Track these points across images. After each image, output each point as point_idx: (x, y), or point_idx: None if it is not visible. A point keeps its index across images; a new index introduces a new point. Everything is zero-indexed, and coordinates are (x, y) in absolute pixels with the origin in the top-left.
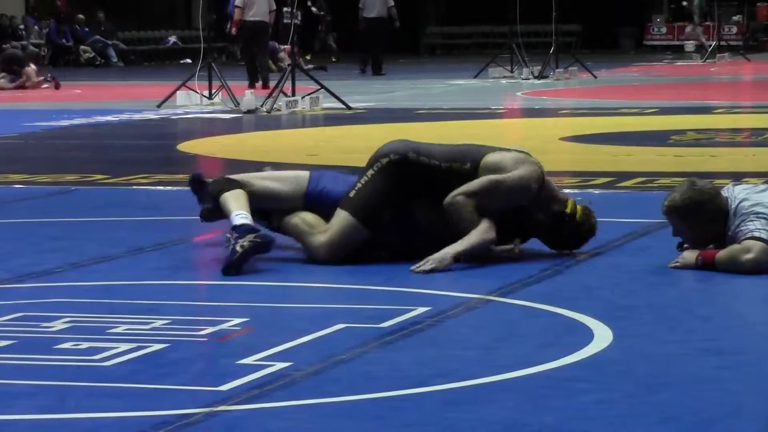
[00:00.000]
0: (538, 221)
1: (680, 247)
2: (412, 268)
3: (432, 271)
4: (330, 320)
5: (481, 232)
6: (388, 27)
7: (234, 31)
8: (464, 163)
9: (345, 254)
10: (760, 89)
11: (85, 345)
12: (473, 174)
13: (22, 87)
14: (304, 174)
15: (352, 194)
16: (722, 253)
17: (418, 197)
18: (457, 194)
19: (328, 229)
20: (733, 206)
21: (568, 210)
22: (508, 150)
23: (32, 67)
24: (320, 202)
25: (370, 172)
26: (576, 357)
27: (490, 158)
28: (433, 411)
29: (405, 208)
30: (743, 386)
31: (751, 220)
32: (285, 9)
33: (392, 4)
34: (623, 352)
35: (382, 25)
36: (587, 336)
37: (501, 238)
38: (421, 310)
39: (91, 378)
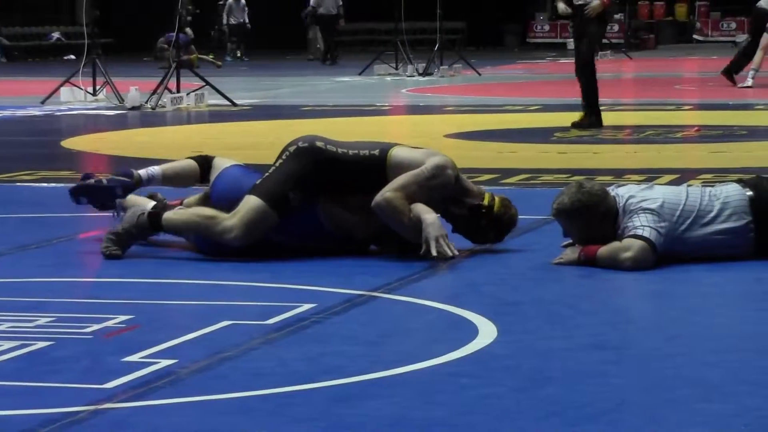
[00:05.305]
0: (456, 216)
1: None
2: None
3: (444, 249)
4: (215, 317)
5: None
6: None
7: None
8: (372, 150)
9: (255, 237)
10: (642, 87)
11: None
12: (382, 161)
13: None
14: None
15: (259, 182)
16: (603, 250)
17: (324, 191)
18: (384, 192)
19: (236, 213)
20: (622, 204)
21: (485, 202)
22: (415, 148)
23: None
24: (227, 191)
25: (279, 161)
26: (461, 352)
27: (400, 152)
28: (321, 407)
29: (311, 199)
30: (626, 381)
31: (638, 215)
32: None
33: (341, 2)
34: (508, 347)
35: (334, 21)
36: (472, 332)
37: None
38: (306, 306)
39: None
